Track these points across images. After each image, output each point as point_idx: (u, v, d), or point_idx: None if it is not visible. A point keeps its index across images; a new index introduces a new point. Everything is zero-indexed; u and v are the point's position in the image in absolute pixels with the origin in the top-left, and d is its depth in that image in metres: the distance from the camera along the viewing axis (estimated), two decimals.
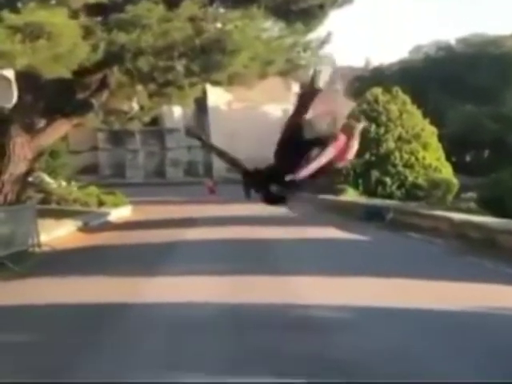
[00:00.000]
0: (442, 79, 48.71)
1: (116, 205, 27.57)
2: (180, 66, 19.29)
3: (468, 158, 48.88)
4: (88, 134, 55.38)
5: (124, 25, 17.65)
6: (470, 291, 8.49)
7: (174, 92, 25.27)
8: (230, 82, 19.88)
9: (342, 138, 4.74)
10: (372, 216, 19.92)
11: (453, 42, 55.83)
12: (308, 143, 4.64)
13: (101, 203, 26.85)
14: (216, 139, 58.83)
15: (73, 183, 30.39)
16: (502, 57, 46.76)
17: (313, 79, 4.75)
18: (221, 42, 17.12)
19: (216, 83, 21.95)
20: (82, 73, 18.79)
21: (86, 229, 20.00)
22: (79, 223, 20.54)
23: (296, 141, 4.68)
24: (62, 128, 22.65)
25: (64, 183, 29.56)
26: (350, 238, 13.37)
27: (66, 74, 16.57)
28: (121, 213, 26.35)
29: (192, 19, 18.53)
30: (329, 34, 20.54)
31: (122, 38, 17.49)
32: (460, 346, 6.28)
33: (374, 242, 10.57)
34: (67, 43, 15.70)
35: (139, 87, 24.92)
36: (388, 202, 22.04)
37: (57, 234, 17.65)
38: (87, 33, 17.04)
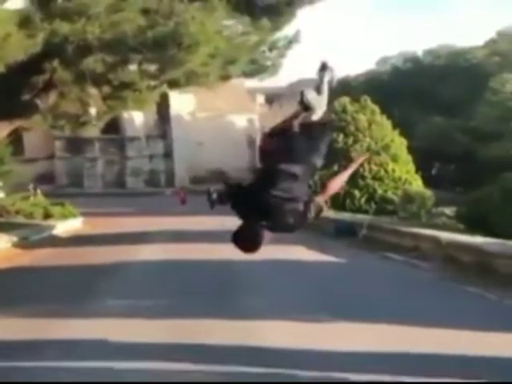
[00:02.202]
0: (410, 91, 47.59)
1: (65, 216, 25.37)
2: (132, 63, 17.36)
3: (434, 172, 47.79)
4: (45, 142, 53.02)
5: (68, 13, 15.68)
6: (488, 341, 6.44)
7: (130, 95, 23.34)
8: (188, 81, 17.99)
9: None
10: (343, 232, 18.21)
11: (420, 53, 54.94)
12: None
13: (47, 215, 24.61)
14: (180, 149, 57.28)
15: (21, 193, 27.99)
16: (472, 69, 45.79)
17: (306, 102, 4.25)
18: (176, 36, 15.22)
19: (174, 85, 19.98)
20: (21, 69, 16.73)
21: (22, 244, 17.76)
22: (15, 238, 18.28)
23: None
24: (2, 131, 20.54)
25: (1, 194, 27.10)
26: (323, 261, 11.40)
27: None
28: (69, 226, 24.17)
29: (146, 11, 16.64)
30: (298, 33, 18.80)
31: (64, 28, 15.50)
32: None
33: (351, 267, 8.68)
34: None
35: (93, 90, 22.96)
36: (359, 216, 20.37)
37: None
38: (24, 21, 15.00)
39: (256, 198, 3.81)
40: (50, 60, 16.60)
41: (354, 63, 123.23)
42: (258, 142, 62.93)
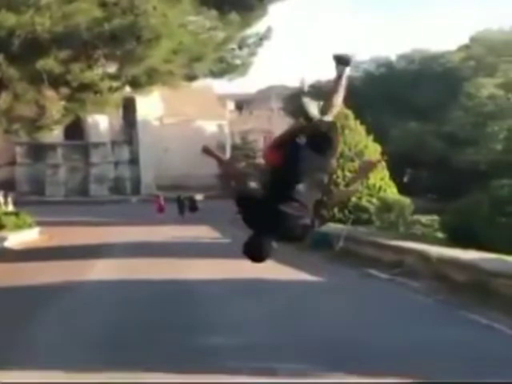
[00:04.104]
0: (383, 96, 46.61)
1: (19, 227, 23.60)
2: (89, 60, 15.82)
3: (406, 178, 46.83)
4: (5, 147, 50.96)
5: (14, 4, 14.11)
6: None
7: (90, 97, 21.78)
8: (150, 80, 16.49)
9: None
10: (319, 244, 16.82)
11: (393, 57, 54.09)
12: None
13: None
14: (147, 155, 55.63)
15: None
16: (446, 73, 44.91)
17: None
18: (135, 28, 13.70)
19: (136, 85, 18.42)
20: None
21: None
22: None
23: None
24: None
25: None
26: (297, 281, 9.82)
27: None
28: (23, 237, 22.42)
29: (104, 3, 15.11)
30: (269, 30, 17.42)
31: (10, 19, 13.91)
32: None
33: (332, 288, 7.24)
34: None
35: (50, 91, 21.40)
36: (334, 226, 19.00)
37: None
38: None
39: (265, 211, 3.94)
40: None
41: (324, 68, 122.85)
42: (227, 147, 61.78)
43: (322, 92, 51.87)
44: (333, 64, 4.45)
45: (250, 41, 17.07)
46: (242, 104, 72.79)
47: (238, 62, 17.62)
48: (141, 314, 8.38)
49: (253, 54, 17.42)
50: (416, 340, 6.52)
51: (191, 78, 18.24)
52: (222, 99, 65.45)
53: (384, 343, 6.34)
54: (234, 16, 16.26)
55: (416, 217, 23.75)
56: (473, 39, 47.30)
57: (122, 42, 13.95)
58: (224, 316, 7.79)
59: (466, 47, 47.02)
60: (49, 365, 5.96)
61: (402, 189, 33.58)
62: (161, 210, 36.70)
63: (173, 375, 5.50)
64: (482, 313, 8.04)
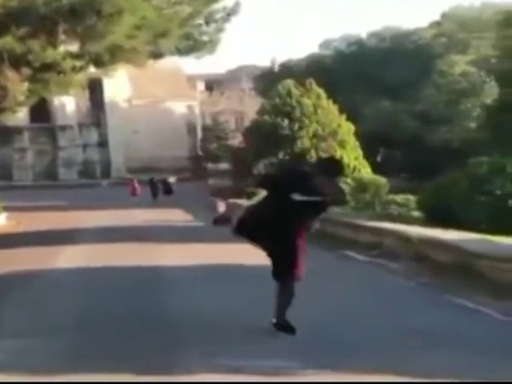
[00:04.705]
0: (355, 75, 46.19)
1: None
2: (45, 36, 14.99)
3: (379, 158, 46.57)
4: None
5: None
6: None
7: (53, 78, 20.90)
8: (114, 58, 15.68)
9: None
10: None
11: (364, 35, 53.66)
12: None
13: None
14: (116, 137, 54.52)
15: None
16: (418, 50, 44.58)
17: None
18: (95, 2, 12.90)
19: (99, 63, 17.59)
20: None
21: None
22: None
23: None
24: None
25: None
26: None
27: None
28: None
29: None
30: (237, 4, 16.67)
31: None
32: None
33: (309, 272, 6.79)
34: None
35: (11, 73, 20.46)
36: None
37: None
38: None
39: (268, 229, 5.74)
40: None
41: (294, 46, 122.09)
42: (198, 129, 60.88)
43: (292, 71, 51.20)
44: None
45: (218, 16, 16.34)
46: (212, 85, 71.81)
47: (205, 38, 16.89)
48: (108, 303, 7.77)
49: (220, 29, 16.70)
50: (403, 328, 6.02)
51: (157, 55, 17.47)
52: (192, 80, 64.41)
53: (369, 332, 5.81)
54: None
55: (391, 196, 23.38)
56: (444, 16, 47.05)
57: (81, 16, 13.18)
58: (196, 306, 7.21)
59: (437, 24, 46.76)
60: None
61: (376, 168, 33.36)
62: (135, 193, 36.02)
63: (138, 372, 4.92)
64: (467, 296, 7.56)
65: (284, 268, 5.78)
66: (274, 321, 5.83)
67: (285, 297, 5.78)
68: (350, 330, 6.08)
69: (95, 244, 15.70)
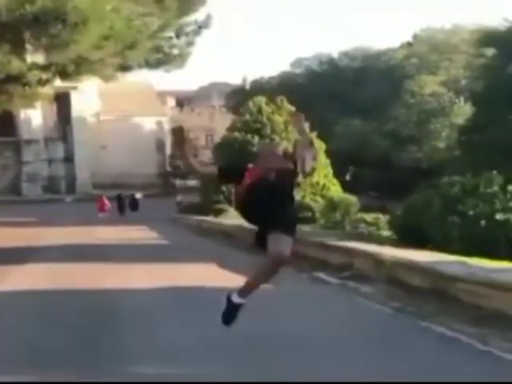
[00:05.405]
0: (326, 93, 46.19)
1: None
2: (8, 45, 14.41)
3: (348, 176, 46.54)
4: None
5: None
6: None
7: (18, 90, 20.25)
8: (79, 70, 15.13)
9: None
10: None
11: (336, 55, 53.81)
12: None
13: None
14: (82, 153, 53.59)
15: None
16: (389, 70, 44.73)
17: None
18: (60, 11, 12.38)
19: (64, 75, 17.02)
20: None
21: None
22: None
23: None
24: None
25: None
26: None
27: None
28: None
29: None
30: (208, 17, 16.30)
31: None
32: None
33: (278, 296, 6.25)
34: None
35: None
36: None
37: None
38: None
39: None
40: None
41: (266, 65, 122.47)
42: (167, 145, 60.20)
43: (263, 88, 51.01)
44: None
45: (189, 29, 15.94)
46: (182, 101, 71.46)
47: (175, 51, 16.47)
48: (57, 334, 7.12)
49: (191, 43, 16.31)
50: (382, 365, 5.54)
51: (125, 68, 16.99)
52: (162, 96, 64.01)
53: (344, 369, 5.32)
54: (170, 2, 15.09)
55: (360, 215, 23.12)
56: (415, 37, 47.36)
57: (46, 25, 12.63)
58: (156, 339, 6.61)
59: (408, 45, 47.04)
60: None
61: (345, 186, 33.19)
62: (103, 209, 35.42)
63: None
64: (444, 323, 7.17)
65: (274, 220, 4.72)
66: (235, 294, 4.89)
67: (261, 272, 4.85)
68: (320, 362, 5.60)
69: (52, 263, 14.89)
